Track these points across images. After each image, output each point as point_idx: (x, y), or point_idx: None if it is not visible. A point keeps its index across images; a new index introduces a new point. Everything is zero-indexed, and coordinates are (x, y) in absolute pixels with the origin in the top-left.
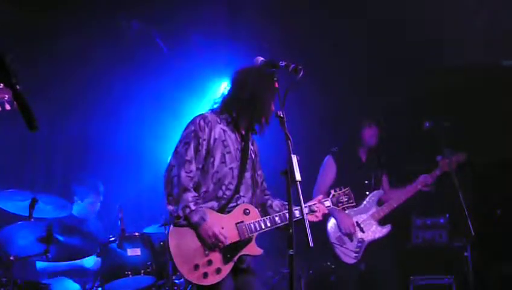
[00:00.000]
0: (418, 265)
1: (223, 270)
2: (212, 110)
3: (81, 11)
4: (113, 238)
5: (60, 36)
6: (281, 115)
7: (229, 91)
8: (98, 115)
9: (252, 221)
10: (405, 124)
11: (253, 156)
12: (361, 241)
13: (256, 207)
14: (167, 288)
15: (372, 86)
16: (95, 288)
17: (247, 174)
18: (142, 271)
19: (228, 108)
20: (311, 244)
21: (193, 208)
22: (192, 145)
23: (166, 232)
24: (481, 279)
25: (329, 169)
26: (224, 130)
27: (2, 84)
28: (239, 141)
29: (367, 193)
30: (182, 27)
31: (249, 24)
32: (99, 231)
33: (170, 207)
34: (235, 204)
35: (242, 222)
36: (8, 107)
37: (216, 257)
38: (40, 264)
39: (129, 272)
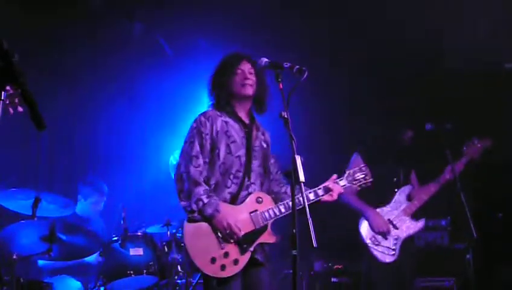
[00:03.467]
0: (420, 267)
1: (240, 261)
2: (212, 106)
3: (85, 15)
4: (115, 238)
5: (65, 39)
6: (285, 116)
7: (210, 88)
8: (101, 115)
9: (266, 209)
10: (407, 126)
11: (264, 145)
12: (397, 238)
13: (269, 194)
14: (169, 288)
15: (373, 88)
16: (97, 287)
17: (256, 162)
18: (145, 271)
19: (220, 101)
20: (315, 244)
21: (206, 201)
22: (196, 142)
23: (168, 232)
24: (482, 282)
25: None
26: (226, 122)
27: (10, 88)
28: (243, 130)
29: (396, 190)
30: (187, 31)
31: (254, 29)
32: (102, 230)
33: (183, 203)
34: (246, 192)
35: (256, 210)
36: (20, 109)
37: (232, 248)
38: (41, 262)
39: (131, 272)
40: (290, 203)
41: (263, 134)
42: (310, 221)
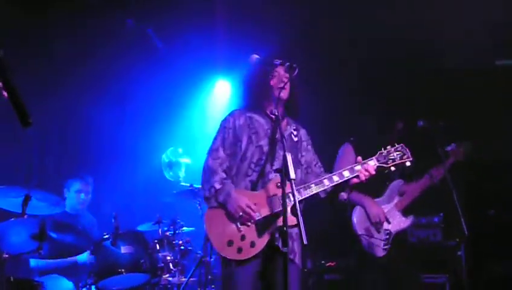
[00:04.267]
0: (413, 264)
1: (257, 243)
2: (242, 107)
3: (76, 10)
4: (106, 236)
5: (55, 34)
6: (276, 114)
7: (243, 90)
8: (92, 113)
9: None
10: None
11: (294, 138)
12: (389, 232)
13: (297, 185)
14: (161, 286)
15: (366, 85)
16: (88, 286)
17: (282, 152)
18: (136, 269)
19: (252, 103)
20: (305, 241)
21: (218, 187)
22: (219, 137)
23: (159, 230)
24: (474, 278)
25: (349, 155)
26: (250, 117)
27: None
28: (269, 123)
29: (387, 183)
30: (178, 25)
31: (244, 23)
32: (93, 227)
33: (202, 192)
34: (266, 178)
35: (275, 195)
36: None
37: (249, 231)
38: (33, 262)
39: (122, 270)
40: (312, 186)
41: (296, 129)
42: (301, 218)
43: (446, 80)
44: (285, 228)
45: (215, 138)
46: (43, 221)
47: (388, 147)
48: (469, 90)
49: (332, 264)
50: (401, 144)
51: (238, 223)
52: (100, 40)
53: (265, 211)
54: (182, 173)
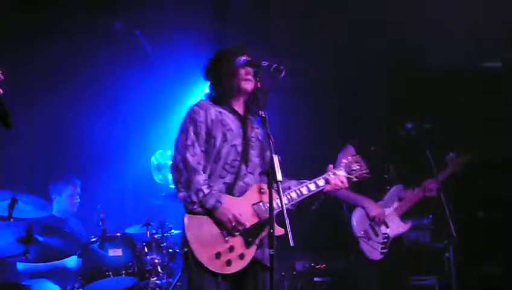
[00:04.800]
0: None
1: (246, 255)
2: (205, 98)
3: (66, 13)
4: (94, 239)
5: (43, 37)
6: (263, 115)
7: (206, 78)
8: (81, 116)
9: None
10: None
11: (259, 137)
12: (387, 236)
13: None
14: (149, 289)
15: (353, 87)
16: (75, 289)
17: (254, 153)
18: (124, 272)
19: (216, 93)
20: (291, 243)
21: (206, 191)
22: (191, 130)
23: (148, 233)
24: (463, 280)
25: (349, 156)
26: (220, 112)
27: None
28: (239, 120)
29: (387, 187)
30: (167, 29)
31: (234, 26)
32: (80, 231)
33: (181, 194)
34: (242, 182)
35: (259, 202)
36: None
37: (237, 242)
38: (20, 266)
39: (110, 273)
40: (292, 194)
41: (257, 128)
42: (287, 220)
43: (433, 81)
44: (271, 230)
45: (186, 131)
46: (29, 224)
47: (349, 157)
48: (456, 92)
49: (322, 266)
50: (359, 156)
51: (225, 233)
52: (90, 43)
53: (251, 220)
54: (171, 176)
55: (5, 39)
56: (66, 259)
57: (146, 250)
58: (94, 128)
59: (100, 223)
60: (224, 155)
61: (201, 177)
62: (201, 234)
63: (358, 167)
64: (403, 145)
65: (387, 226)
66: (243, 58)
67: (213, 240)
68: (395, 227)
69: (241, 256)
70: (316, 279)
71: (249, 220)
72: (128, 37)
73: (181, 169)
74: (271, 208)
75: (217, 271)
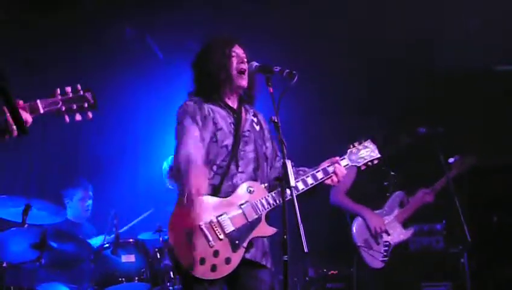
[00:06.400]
0: (416, 272)
1: (232, 259)
2: (194, 94)
3: (74, 18)
4: (107, 245)
5: (53, 43)
6: (275, 120)
7: (195, 77)
8: (93, 121)
9: (258, 199)
10: (403, 132)
11: (256, 127)
12: (388, 244)
13: (263, 182)
14: None
15: (364, 91)
16: None
17: (248, 148)
18: (136, 278)
19: (207, 89)
20: (305, 249)
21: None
22: (187, 119)
23: (160, 239)
24: (478, 285)
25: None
26: (211, 108)
27: None
28: (231, 116)
29: (387, 194)
30: (178, 34)
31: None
32: (93, 236)
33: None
34: (230, 183)
35: (247, 201)
36: None
37: (223, 246)
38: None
39: (123, 279)
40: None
41: (255, 115)
42: (301, 225)
43: (446, 84)
44: (285, 236)
45: (183, 120)
46: (43, 230)
47: (356, 143)
48: (470, 95)
49: (334, 272)
50: (369, 140)
51: (209, 236)
52: (98, 48)
53: (238, 221)
54: None
55: (15, 45)
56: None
57: (159, 256)
58: (106, 134)
59: (113, 229)
60: (212, 157)
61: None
62: (183, 236)
63: (367, 153)
64: (408, 150)
65: (388, 234)
66: (255, 63)
67: (196, 244)
68: (396, 235)
69: (227, 260)
70: (328, 285)
71: (236, 222)
72: (139, 43)
73: (183, 161)
74: (284, 212)
75: (199, 277)
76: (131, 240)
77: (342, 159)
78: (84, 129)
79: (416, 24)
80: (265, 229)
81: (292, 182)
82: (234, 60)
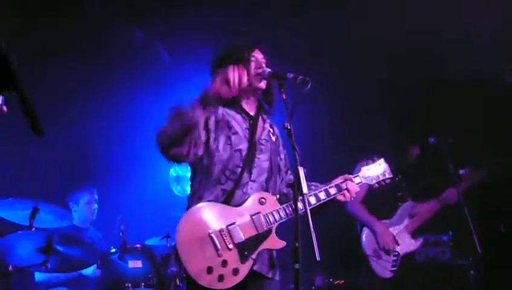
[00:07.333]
0: (422, 283)
1: (241, 270)
2: None
3: (82, 21)
4: (114, 250)
5: (58, 48)
6: (288, 127)
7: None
8: (101, 127)
9: (270, 210)
10: (413, 143)
11: (272, 137)
12: (397, 254)
13: (274, 194)
14: None
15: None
16: None
17: (262, 156)
18: (143, 284)
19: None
20: (318, 258)
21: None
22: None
23: (168, 245)
24: None
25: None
26: (226, 112)
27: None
28: (247, 121)
29: (399, 203)
30: (186, 37)
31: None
32: (99, 241)
33: (171, 152)
34: (241, 192)
35: (258, 213)
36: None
37: (231, 256)
38: (38, 276)
39: (129, 285)
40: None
41: (271, 127)
42: (313, 234)
43: (456, 95)
44: (297, 244)
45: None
46: (50, 234)
47: (369, 161)
48: (479, 106)
49: (341, 282)
50: (382, 159)
51: (218, 245)
52: (104, 52)
53: (249, 232)
54: (188, 188)
55: (22, 51)
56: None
57: (166, 262)
58: (114, 139)
59: (121, 235)
60: (225, 160)
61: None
62: (191, 244)
63: (381, 172)
64: (418, 161)
65: (397, 244)
66: (268, 70)
67: (204, 252)
68: (406, 245)
69: (235, 271)
70: None
71: (246, 233)
72: (148, 49)
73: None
74: (296, 220)
75: (206, 286)
76: (138, 245)
77: (355, 177)
78: (93, 134)
79: (424, 36)
80: (275, 242)
81: (305, 189)
82: (253, 64)
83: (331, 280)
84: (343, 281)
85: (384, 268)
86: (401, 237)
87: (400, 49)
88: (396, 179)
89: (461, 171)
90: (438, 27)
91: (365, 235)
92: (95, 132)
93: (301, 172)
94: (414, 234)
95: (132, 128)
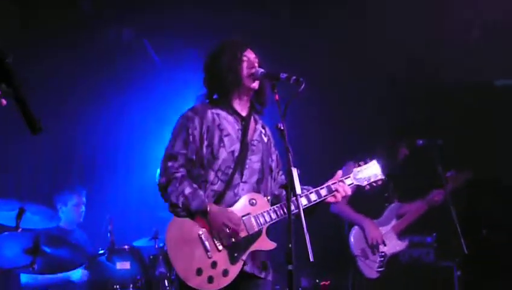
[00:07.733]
0: (405, 285)
1: (230, 271)
2: (202, 99)
3: (73, 23)
4: (102, 251)
5: (47, 46)
6: (281, 128)
7: (205, 79)
8: (87, 126)
9: (261, 211)
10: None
11: (264, 138)
12: (384, 255)
13: (266, 195)
14: None
15: (367, 104)
16: None
17: (254, 157)
18: (131, 285)
19: (217, 93)
20: (311, 259)
21: (188, 191)
22: (180, 138)
23: (156, 245)
24: None
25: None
26: (217, 114)
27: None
28: (239, 122)
29: (386, 204)
30: (175, 38)
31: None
32: (85, 242)
33: (166, 200)
34: (232, 193)
35: (249, 214)
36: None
37: (221, 257)
38: (24, 279)
39: (118, 286)
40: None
41: (263, 127)
42: (307, 235)
43: (445, 98)
44: (290, 245)
45: (174, 139)
46: (37, 235)
47: (361, 163)
48: (467, 109)
49: (326, 283)
50: (374, 160)
51: (208, 246)
52: (97, 52)
53: (240, 233)
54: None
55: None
56: (70, 272)
57: (154, 263)
58: (100, 139)
59: (108, 235)
60: (219, 161)
61: (180, 185)
62: (181, 246)
63: (373, 173)
64: (406, 162)
65: (384, 245)
66: (260, 70)
67: (194, 254)
68: (392, 245)
69: (225, 272)
70: None
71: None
72: (135, 46)
73: (162, 175)
74: (289, 221)
75: (195, 288)
76: (126, 247)
77: (346, 178)
78: (78, 132)
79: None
80: (265, 243)
81: (298, 190)
82: (245, 64)
83: (317, 280)
84: (328, 281)
85: (371, 269)
86: (388, 237)
87: (394, 52)
88: (385, 179)
89: (448, 173)
90: (432, 30)
91: (353, 235)
92: (80, 131)
93: (295, 173)
94: (401, 235)
95: (118, 126)
